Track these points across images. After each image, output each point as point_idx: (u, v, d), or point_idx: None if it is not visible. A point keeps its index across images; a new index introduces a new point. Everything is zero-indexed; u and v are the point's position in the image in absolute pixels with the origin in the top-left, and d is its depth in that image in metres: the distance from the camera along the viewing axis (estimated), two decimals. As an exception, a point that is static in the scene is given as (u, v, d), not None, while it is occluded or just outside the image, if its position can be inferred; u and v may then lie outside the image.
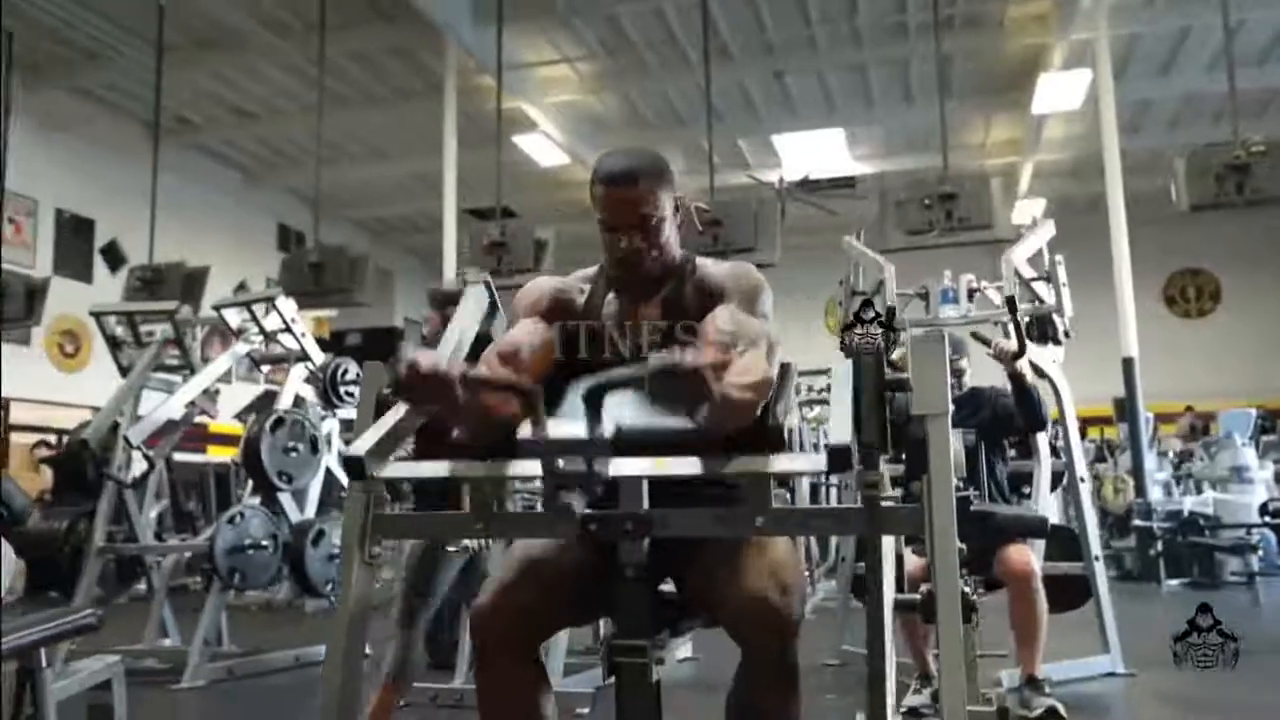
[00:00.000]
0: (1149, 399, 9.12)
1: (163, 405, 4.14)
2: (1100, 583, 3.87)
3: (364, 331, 12.31)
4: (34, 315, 7.97)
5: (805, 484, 6.53)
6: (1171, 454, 9.61)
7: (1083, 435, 11.70)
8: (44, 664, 2.18)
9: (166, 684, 3.82)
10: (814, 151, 12.31)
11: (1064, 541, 3.94)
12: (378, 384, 1.63)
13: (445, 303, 3.08)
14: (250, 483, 4.30)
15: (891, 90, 11.20)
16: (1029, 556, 3.13)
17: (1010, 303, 3.40)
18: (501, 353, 1.61)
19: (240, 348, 4.34)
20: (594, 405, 1.28)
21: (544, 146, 11.36)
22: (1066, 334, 3.88)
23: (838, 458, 1.27)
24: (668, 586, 1.68)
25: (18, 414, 10.46)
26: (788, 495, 5.41)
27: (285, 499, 4.12)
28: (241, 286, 10.79)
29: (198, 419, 4.80)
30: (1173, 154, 7.09)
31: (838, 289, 4.57)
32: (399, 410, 1.55)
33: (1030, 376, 3.39)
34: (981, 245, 6.55)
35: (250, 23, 9.54)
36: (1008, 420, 3.38)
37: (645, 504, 1.49)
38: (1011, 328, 3.47)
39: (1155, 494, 8.17)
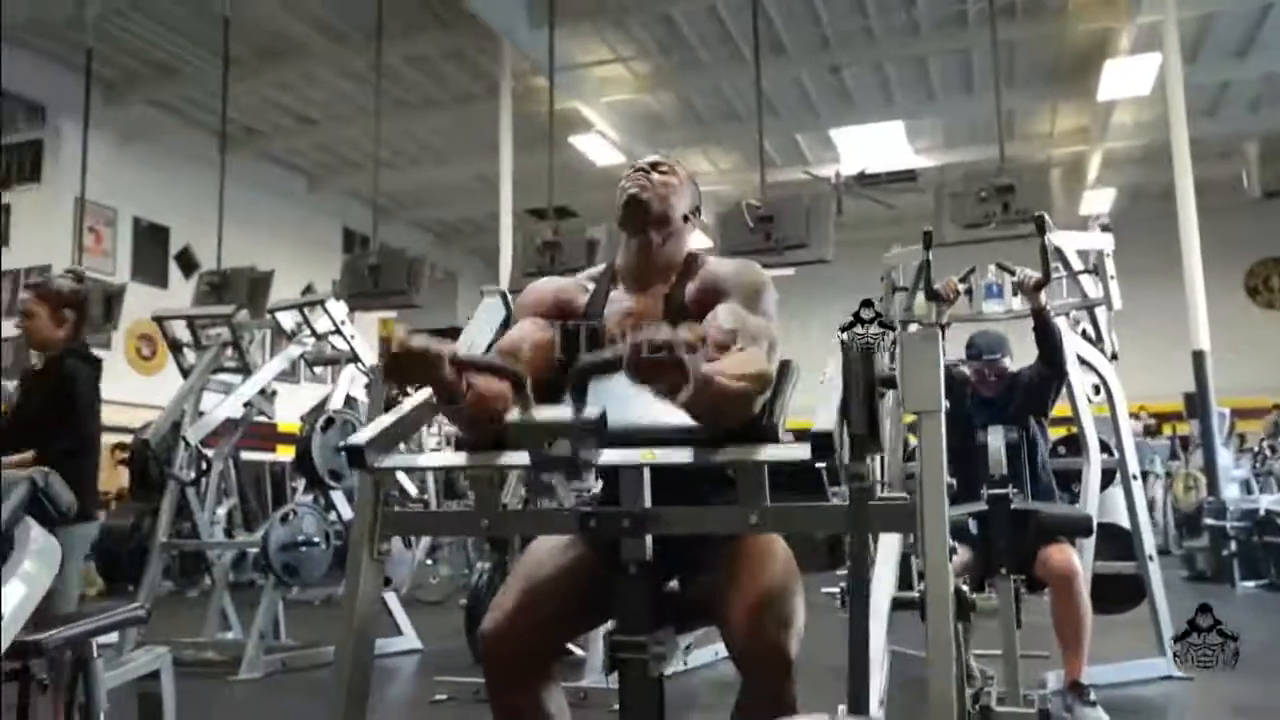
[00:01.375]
0: (1228, 393, 8.80)
1: (219, 406, 4.28)
2: (1155, 583, 3.76)
3: (429, 332, 12.55)
4: (112, 320, 8.31)
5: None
6: (1259, 448, 9.21)
7: (1157, 431, 11.45)
8: (95, 654, 2.29)
9: (225, 675, 3.96)
10: (873, 145, 12.16)
11: (1117, 540, 3.84)
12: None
13: (60, 302, 2.90)
14: (303, 481, 4.42)
15: (952, 81, 11.02)
16: (1071, 556, 3.05)
17: (1039, 222, 3.31)
18: (501, 351, 1.65)
19: (294, 350, 4.47)
20: (579, 390, 1.30)
21: (600, 146, 11.43)
22: (1114, 355, 3.80)
23: (820, 444, 1.27)
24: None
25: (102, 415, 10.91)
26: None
27: (337, 497, 4.23)
28: (308, 289, 11.08)
29: (268, 419, 4.96)
30: (1248, 139, 6.85)
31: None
32: (409, 402, 1.60)
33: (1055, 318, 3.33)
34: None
35: (311, 32, 9.80)
36: (1038, 385, 3.32)
37: (647, 501, 1.52)
38: (1038, 256, 3.38)
39: (1231, 492, 7.88)
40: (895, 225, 10.87)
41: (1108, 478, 4.05)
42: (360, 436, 1.48)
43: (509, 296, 1.96)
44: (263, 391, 4.52)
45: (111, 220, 11.28)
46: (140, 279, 11.07)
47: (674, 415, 1.51)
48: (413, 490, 6.92)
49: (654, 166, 1.78)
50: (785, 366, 1.60)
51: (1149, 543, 3.81)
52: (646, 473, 1.52)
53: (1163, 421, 11.96)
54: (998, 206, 6.51)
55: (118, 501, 8.53)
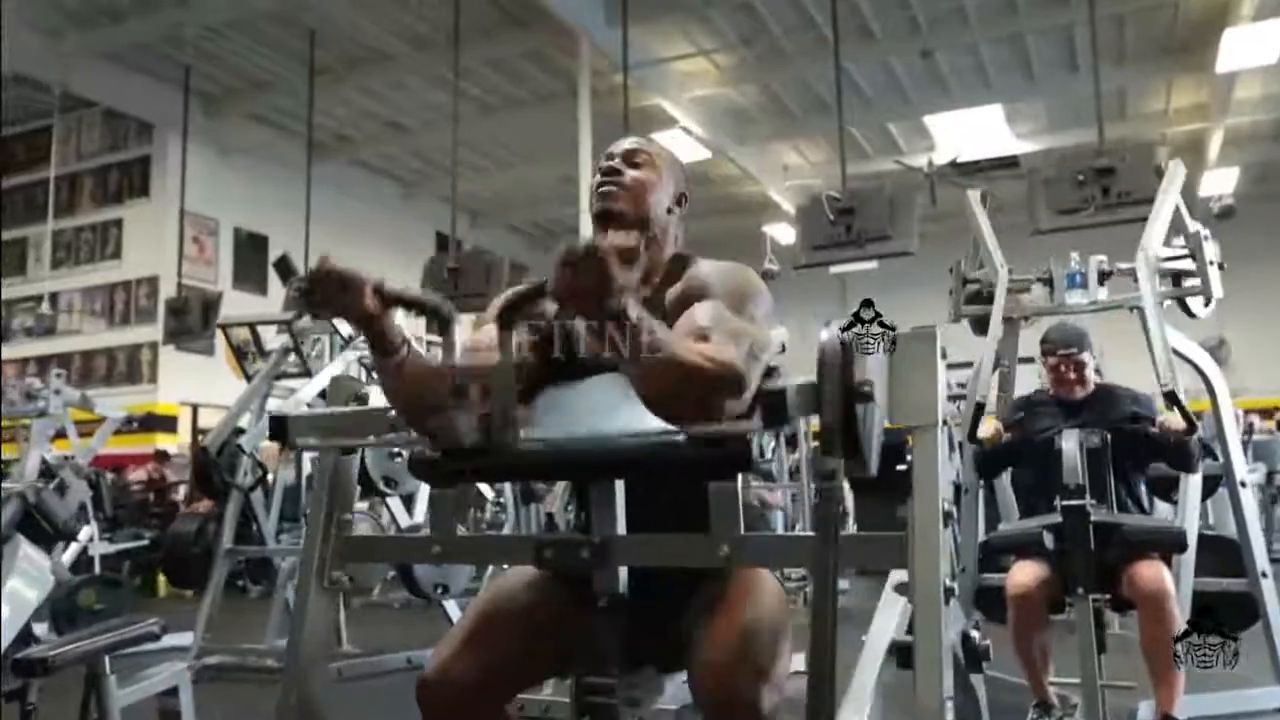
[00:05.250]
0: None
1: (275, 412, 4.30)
2: (1269, 601, 3.36)
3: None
4: (208, 327, 8.58)
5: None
6: None
7: (1290, 429, 10.59)
8: (108, 671, 2.25)
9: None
10: (970, 131, 11.62)
11: (1225, 554, 3.47)
12: (344, 397, 1.56)
13: None
14: (359, 487, 4.39)
15: (1054, 60, 10.41)
16: (1162, 572, 2.74)
17: (1171, 397, 2.96)
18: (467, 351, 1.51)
19: (350, 354, 4.47)
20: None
21: (684, 142, 11.22)
22: (1220, 264, 3.40)
23: (772, 407, 1.12)
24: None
25: (206, 419, 11.33)
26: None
27: (394, 503, 4.20)
28: (402, 293, 11.24)
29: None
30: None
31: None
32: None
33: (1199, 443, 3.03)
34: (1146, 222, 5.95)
35: (396, 41, 9.93)
36: (1143, 443, 2.99)
37: (620, 528, 1.36)
38: (1177, 408, 3.02)
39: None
40: (996, 214, 10.33)
41: (1214, 484, 3.67)
42: (288, 409, 1.39)
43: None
44: (323, 395, 4.51)
45: (213, 230, 11.70)
46: (241, 287, 11.47)
47: (641, 429, 1.34)
48: (489, 494, 6.89)
49: (629, 158, 1.60)
50: (770, 374, 1.40)
51: (1261, 557, 3.41)
52: (620, 498, 1.36)
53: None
54: (1096, 191, 6.05)
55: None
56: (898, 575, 1.39)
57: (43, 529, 1.95)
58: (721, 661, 1.27)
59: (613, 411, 1.36)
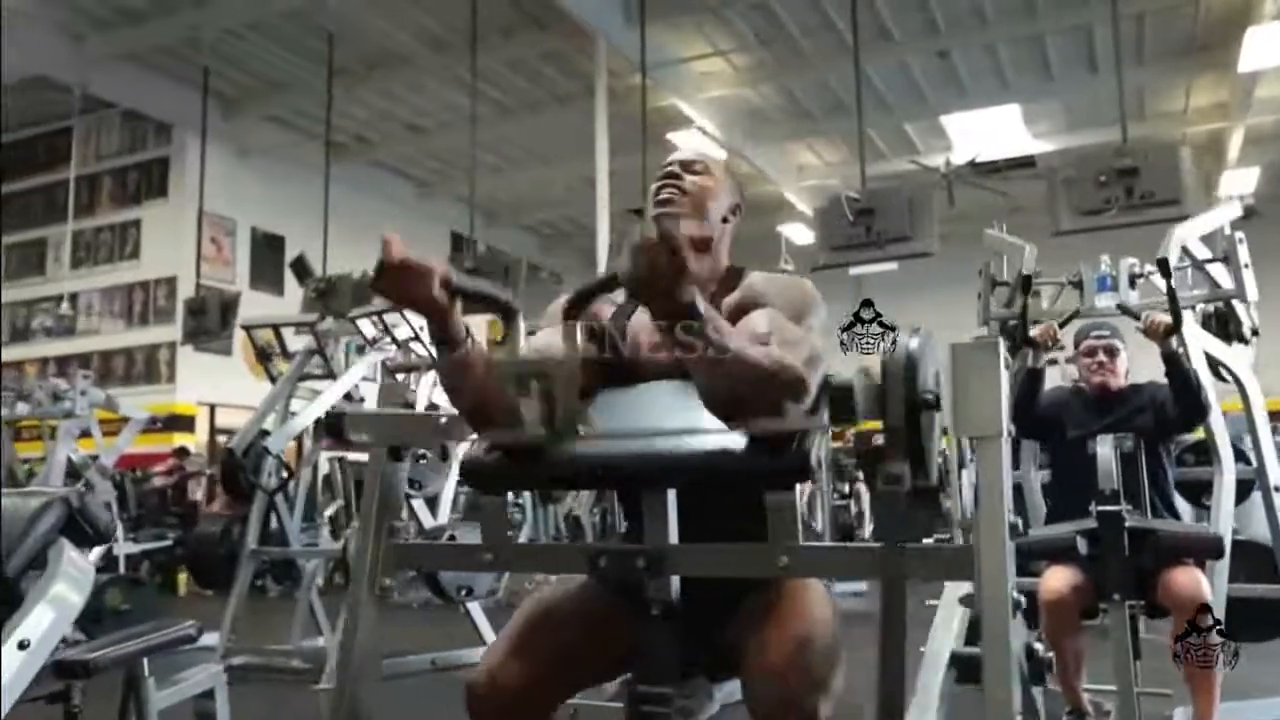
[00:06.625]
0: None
1: (300, 414, 4.32)
2: (1303, 608, 3.34)
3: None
4: (227, 328, 8.61)
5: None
6: None
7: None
8: (147, 673, 2.26)
9: (308, 683, 3.95)
10: (988, 131, 11.56)
11: (1259, 560, 3.44)
12: (394, 400, 1.56)
13: None
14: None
15: (1072, 59, 10.36)
16: (1198, 579, 2.72)
17: (1163, 265, 2.95)
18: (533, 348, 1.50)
19: (374, 356, 4.48)
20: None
21: (701, 143, 11.21)
22: (1255, 331, 3.38)
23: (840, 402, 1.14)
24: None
25: (223, 419, 11.38)
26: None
27: (417, 505, 4.19)
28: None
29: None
30: None
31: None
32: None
33: (1190, 357, 2.98)
34: (1169, 223, 5.91)
35: (415, 43, 9.95)
36: (1169, 415, 2.98)
37: (673, 537, 1.35)
38: (1167, 298, 3.01)
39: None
40: (1014, 215, 10.29)
41: (1245, 488, 3.64)
42: (350, 410, 1.39)
43: None
44: (349, 397, 4.53)
45: (231, 231, 11.76)
46: (258, 287, 11.51)
47: (696, 438, 1.33)
48: (508, 495, 6.88)
49: (687, 166, 1.61)
50: (823, 386, 1.40)
51: (1294, 562, 3.38)
52: (673, 508, 1.35)
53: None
54: (1119, 191, 6.01)
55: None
56: (960, 587, 1.39)
57: (83, 532, 1.96)
58: (779, 670, 1.26)
59: (668, 419, 1.36)
